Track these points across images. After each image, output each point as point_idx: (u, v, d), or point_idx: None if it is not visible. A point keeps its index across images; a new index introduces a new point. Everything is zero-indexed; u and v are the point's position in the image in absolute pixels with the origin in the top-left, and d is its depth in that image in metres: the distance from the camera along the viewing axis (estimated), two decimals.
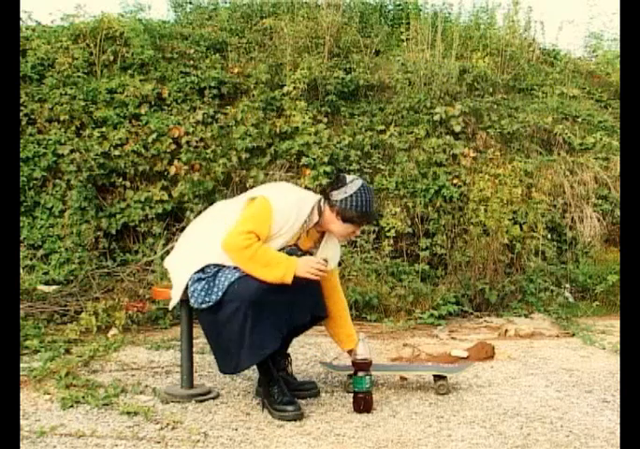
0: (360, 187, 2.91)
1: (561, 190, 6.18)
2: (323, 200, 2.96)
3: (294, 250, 2.93)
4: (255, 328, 2.76)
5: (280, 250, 2.88)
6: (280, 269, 2.77)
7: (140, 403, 2.96)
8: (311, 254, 2.99)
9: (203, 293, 2.82)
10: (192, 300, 2.84)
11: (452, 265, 5.44)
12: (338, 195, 2.90)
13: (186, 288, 2.88)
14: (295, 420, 2.79)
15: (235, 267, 2.84)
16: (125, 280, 4.82)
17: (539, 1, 9.88)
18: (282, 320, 2.84)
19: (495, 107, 6.61)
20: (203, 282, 2.83)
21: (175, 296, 2.94)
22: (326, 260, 2.86)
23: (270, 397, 2.88)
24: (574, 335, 4.56)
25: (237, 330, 2.77)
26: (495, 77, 7.02)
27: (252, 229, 2.79)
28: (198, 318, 2.98)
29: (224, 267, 2.85)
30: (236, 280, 2.79)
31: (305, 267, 2.78)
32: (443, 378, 3.21)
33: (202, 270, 2.85)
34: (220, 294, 2.79)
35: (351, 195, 2.88)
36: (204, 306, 2.82)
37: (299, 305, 2.90)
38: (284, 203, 2.87)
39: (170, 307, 3.03)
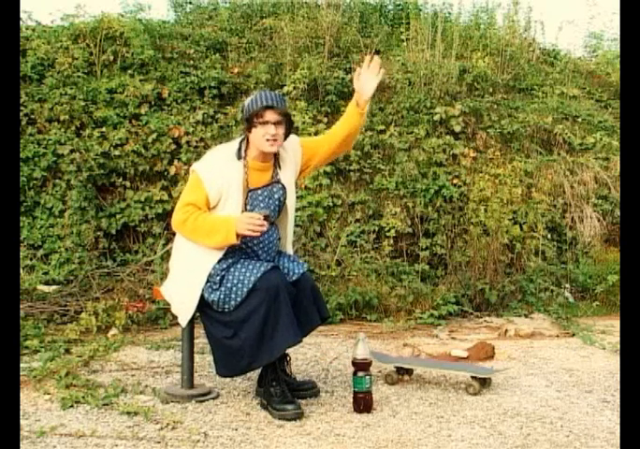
0: (250, 97, 3.00)
1: (561, 190, 6.18)
2: (244, 137, 3.04)
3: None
4: (277, 324, 2.81)
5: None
6: (221, 234, 2.85)
7: (140, 403, 2.96)
8: (283, 186, 3.06)
9: (221, 301, 2.89)
10: (214, 306, 2.92)
11: (452, 265, 5.44)
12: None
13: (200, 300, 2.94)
14: (295, 419, 2.80)
15: (239, 265, 2.91)
16: (125, 280, 4.82)
17: (539, 1, 9.89)
18: (298, 319, 2.90)
19: (495, 107, 6.61)
20: (218, 292, 2.89)
21: (188, 313, 2.98)
22: (266, 216, 2.85)
23: (271, 396, 2.88)
24: (574, 335, 4.55)
25: (257, 325, 2.81)
26: (495, 77, 7.02)
27: (188, 201, 2.91)
28: (203, 320, 3.00)
29: (228, 268, 2.92)
30: (256, 280, 2.84)
31: (243, 224, 2.82)
32: (478, 379, 3.21)
33: (209, 280, 2.91)
34: (239, 299, 2.86)
35: (244, 107, 2.98)
36: (226, 310, 2.90)
37: (310, 308, 3.01)
38: (209, 161, 2.98)
39: (184, 324, 3.03)
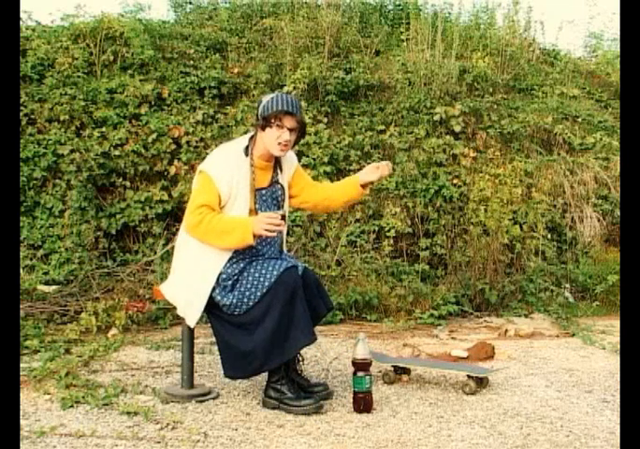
0: (271, 95, 2.97)
1: (561, 190, 6.18)
2: (253, 133, 3.03)
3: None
4: (291, 324, 2.82)
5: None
6: (237, 234, 2.82)
7: (140, 403, 2.96)
8: (282, 187, 3.08)
9: (233, 305, 2.88)
10: (224, 309, 2.91)
11: (452, 265, 5.44)
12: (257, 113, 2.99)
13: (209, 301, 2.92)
14: (316, 413, 2.85)
15: (252, 269, 2.90)
16: (125, 280, 4.82)
17: (539, 1, 9.90)
18: (309, 315, 2.88)
19: (495, 107, 6.61)
20: (230, 295, 2.88)
21: (196, 314, 2.95)
22: (283, 216, 2.85)
23: (283, 394, 2.90)
24: (574, 335, 4.56)
25: (271, 326, 2.81)
26: (495, 77, 7.02)
27: (201, 203, 2.86)
28: (212, 322, 3.00)
29: (241, 272, 2.91)
30: (271, 285, 2.84)
31: (260, 224, 2.79)
32: (473, 378, 3.22)
33: (220, 283, 2.90)
34: (251, 304, 2.86)
35: (262, 104, 2.96)
36: (236, 313, 2.90)
37: (316, 300, 2.99)
38: (217, 160, 2.94)
39: (193, 325, 3.00)
